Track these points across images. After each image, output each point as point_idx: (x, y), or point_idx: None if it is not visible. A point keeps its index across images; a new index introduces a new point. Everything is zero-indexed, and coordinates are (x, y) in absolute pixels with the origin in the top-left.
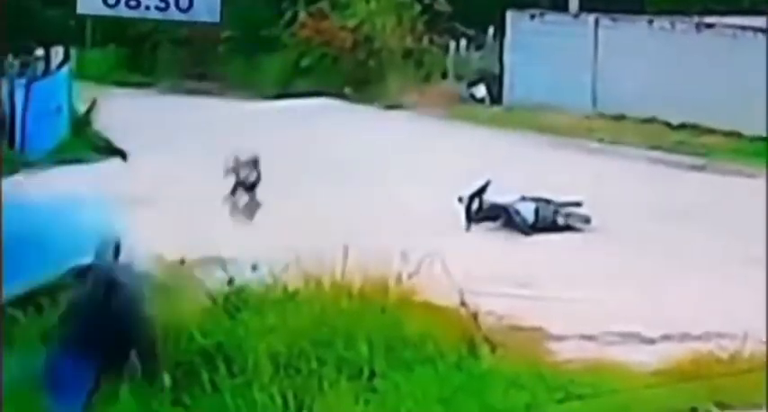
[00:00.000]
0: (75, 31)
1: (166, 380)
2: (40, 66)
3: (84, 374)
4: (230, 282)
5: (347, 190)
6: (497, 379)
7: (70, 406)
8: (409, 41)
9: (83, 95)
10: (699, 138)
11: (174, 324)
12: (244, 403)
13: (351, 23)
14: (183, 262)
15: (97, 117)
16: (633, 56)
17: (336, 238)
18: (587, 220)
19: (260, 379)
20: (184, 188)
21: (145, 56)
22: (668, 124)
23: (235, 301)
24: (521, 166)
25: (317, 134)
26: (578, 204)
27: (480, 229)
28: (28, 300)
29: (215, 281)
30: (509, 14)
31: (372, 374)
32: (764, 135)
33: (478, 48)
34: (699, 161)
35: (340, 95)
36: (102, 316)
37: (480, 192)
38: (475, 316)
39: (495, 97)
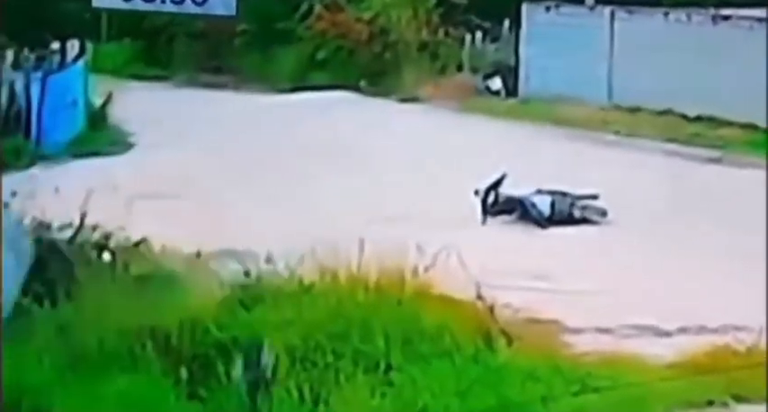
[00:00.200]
0: (91, 25)
1: (183, 373)
2: (56, 59)
3: None
4: (246, 274)
5: (362, 183)
6: (514, 371)
7: None
8: (425, 34)
9: (98, 89)
10: (715, 130)
11: (190, 317)
12: (260, 396)
13: (366, 16)
14: (198, 255)
15: (113, 110)
16: (649, 48)
17: (352, 231)
18: (603, 213)
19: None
20: (200, 181)
21: (160, 49)
22: (684, 116)
23: (251, 294)
24: (536, 159)
25: (333, 127)
26: (594, 197)
27: (496, 222)
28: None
29: (231, 274)
30: (525, 6)
31: (389, 367)
32: None
33: (494, 40)
34: (715, 153)
35: (355, 88)
36: None
37: (496, 184)
38: (491, 309)
39: (511, 90)
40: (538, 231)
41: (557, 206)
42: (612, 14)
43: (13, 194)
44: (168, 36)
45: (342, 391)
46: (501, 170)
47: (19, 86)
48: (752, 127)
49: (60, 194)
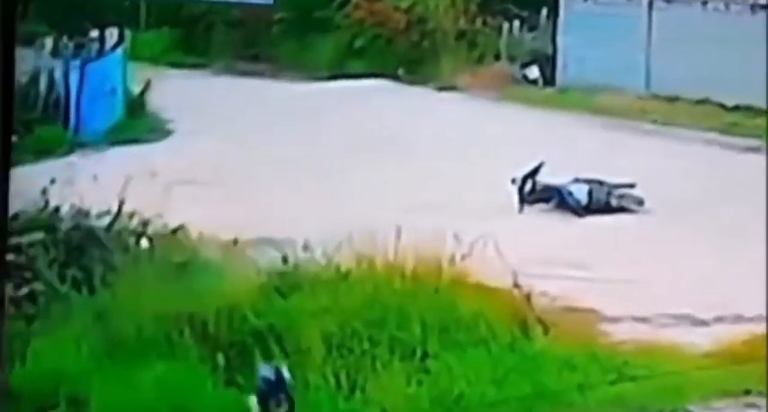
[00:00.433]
0: (130, 13)
1: (220, 359)
2: (95, 47)
3: None
4: (284, 260)
5: (400, 171)
6: (550, 360)
7: None
8: (462, 22)
9: (137, 76)
10: (753, 119)
11: (227, 304)
12: (296, 383)
13: (404, 4)
14: (236, 242)
15: (151, 98)
16: (687, 37)
17: (389, 219)
18: (641, 202)
19: (313, 359)
20: (237, 169)
21: (198, 37)
22: (722, 105)
23: (288, 282)
24: (574, 148)
25: (370, 115)
26: (632, 186)
27: (533, 211)
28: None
29: (268, 261)
30: None
31: (425, 355)
32: None
33: (532, 29)
34: (753, 142)
35: (393, 77)
36: None
37: (533, 173)
38: (528, 297)
39: (549, 78)
40: (575, 220)
41: (594, 195)
42: (650, 4)
43: (52, 182)
44: (206, 24)
45: (378, 378)
46: (538, 159)
47: (58, 74)
48: None
49: (99, 182)
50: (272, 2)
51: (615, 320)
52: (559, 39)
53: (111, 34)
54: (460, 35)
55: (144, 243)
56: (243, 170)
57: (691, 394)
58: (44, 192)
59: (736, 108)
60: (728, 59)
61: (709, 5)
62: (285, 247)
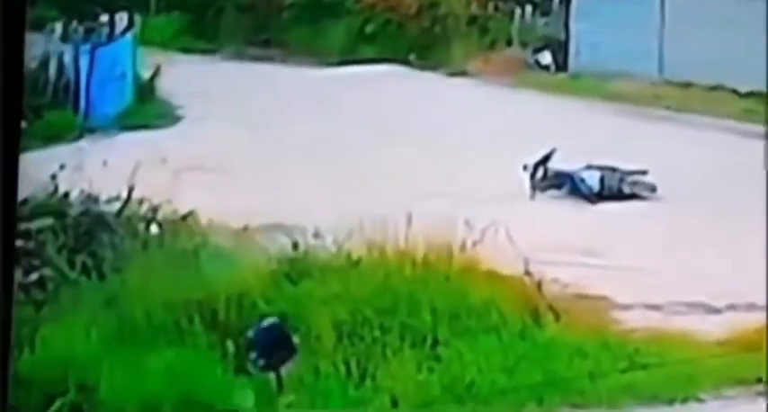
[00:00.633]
0: None
1: (230, 346)
2: (105, 31)
3: None
4: (295, 247)
5: (411, 157)
6: (561, 347)
7: None
8: (474, 8)
9: (147, 61)
10: (767, 105)
11: (237, 291)
12: (307, 371)
13: None
14: (246, 228)
15: (161, 83)
16: (700, 22)
17: (400, 206)
18: (653, 189)
19: (323, 347)
20: (248, 154)
21: (209, 22)
22: (736, 92)
23: (298, 269)
24: (586, 134)
25: (382, 101)
26: (644, 172)
27: (545, 198)
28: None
29: (278, 248)
30: None
31: (436, 342)
32: None
33: (544, 14)
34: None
35: (404, 62)
36: None
37: (545, 159)
38: (539, 284)
39: (561, 64)
40: (587, 206)
41: (606, 181)
42: None
43: (62, 167)
44: (216, 9)
45: (389, 366)
46: (550, 145)
47: (68, 59)
48: None
49: (108, 167)
50: None
51: (627, 308)
52: (572, 24)
53: (121, 19)
54: (472, 20)
55: (153, 229)
56: (253, 156)
57: (703, 382)
58: (53, 177)
59: (750, 94)
60: (742, 45)
61: None
62: (296, 234)
